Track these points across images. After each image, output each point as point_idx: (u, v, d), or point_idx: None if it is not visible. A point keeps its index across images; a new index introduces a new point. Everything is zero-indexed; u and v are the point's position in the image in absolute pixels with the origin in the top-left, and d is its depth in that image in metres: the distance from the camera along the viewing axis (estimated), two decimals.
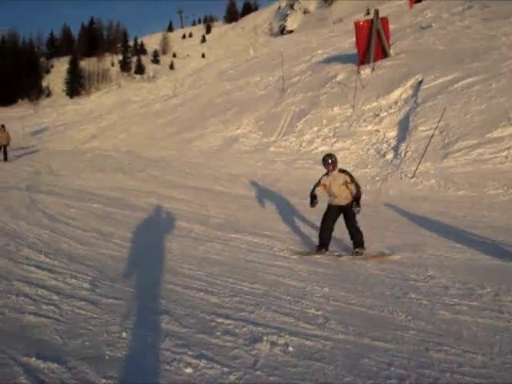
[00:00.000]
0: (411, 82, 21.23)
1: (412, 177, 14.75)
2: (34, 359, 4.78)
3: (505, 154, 14.72)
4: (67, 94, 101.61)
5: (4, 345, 5.13)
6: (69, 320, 5.76)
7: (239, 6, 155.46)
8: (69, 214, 11.70)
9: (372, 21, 25.72)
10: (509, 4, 28.59)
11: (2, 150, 22.89)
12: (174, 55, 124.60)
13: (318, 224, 10.26)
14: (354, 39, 27.02)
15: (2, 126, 23.49)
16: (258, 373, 4.60)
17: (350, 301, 6.57)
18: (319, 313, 6.10)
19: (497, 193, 13.07)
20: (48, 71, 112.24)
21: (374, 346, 5.26)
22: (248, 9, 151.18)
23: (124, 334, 5.36)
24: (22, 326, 5.60)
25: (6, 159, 22.65)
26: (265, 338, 5.29)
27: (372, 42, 25.45)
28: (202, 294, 6.67)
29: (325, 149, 19.08)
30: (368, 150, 17.99)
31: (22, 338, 5.31)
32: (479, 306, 6.41)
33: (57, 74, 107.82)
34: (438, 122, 15.76)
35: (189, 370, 4.58)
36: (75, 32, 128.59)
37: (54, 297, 6.45)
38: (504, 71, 19.37)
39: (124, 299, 6.41)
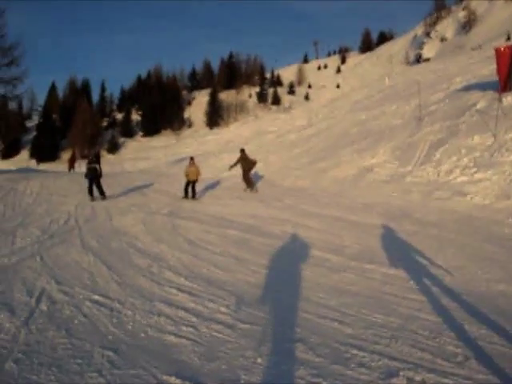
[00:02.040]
0: None
1: None
2: (173, 378, 5.01)
3: None
4: (207, 124, 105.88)
5: (146, 362, 5.43)
6: (206, 342, 5.98)
7: (374, 35, 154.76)
8: (208, 239, 12.21)
9: None
10: None
11: (191, 185, 20.72)
12: (309, 86, 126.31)
13: (457, 256, 10.02)
14: (495, 66, 25.97)
15: (192, 158, 22.02)
16: None
17: (491, 339, 6.28)
18: (458, 350, 5.90)
19: None
20: (189, 103, 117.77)
21: None
22: (383, 38, 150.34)
23: (259, 360, 5.49)
24: (162, 346, 5.90)
25: (194, 197, 20.49)
26: (401, 373, 5.21)
27: None
28: (335, 323, 6.68)
29: (464, 179, 18.45)
30: (511, 180, 17.13)
31: (163, 356, 5.59)
32: None
33: (198, 106, 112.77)
34: None
35: None
36: (215, 66, 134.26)
37: (193, 319, 6.74)
38: None
39: (259, 325, 6.56)
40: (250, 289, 8.27)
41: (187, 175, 20.94)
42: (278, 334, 6.30)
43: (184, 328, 6.45)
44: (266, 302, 7.62)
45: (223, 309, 7.20)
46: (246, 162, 22.25)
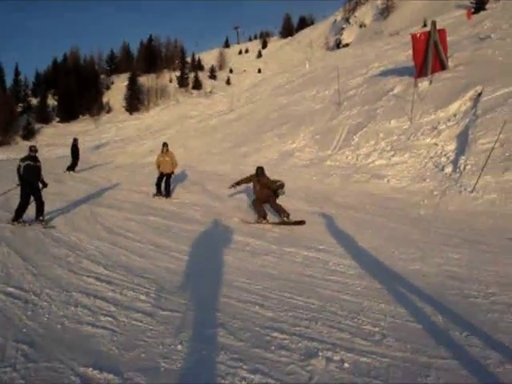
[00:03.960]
0: (470, 94, 20.76)
1: (472, 191, 14.39)
2: (90, 369, 4.87)
3: None
4: (126, 109, 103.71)
5: (62, 355, 5.25)
6: (125, 331, 5.86)
7: (295, 20, 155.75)
8: (128, 227, 11.98)
9: (429, 33, 25.34)
10: None
11: (164, 180, 16.98)
12: (231, 71, 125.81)
13: (376, 237, 10.24)
14: (411, 52, 26.65)
15: (165, 145, 17.47)
16: None
17: (407, 317, 6.44)
18: (376, 329, 6.01)
19: None
20: (108, 88, 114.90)
21: (432, 364, 5.14)
22: (304, 23, 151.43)
23: (179, 347, 5.41)
24: (79, 337, 5.73)
25: (168, 195, 16.79)
26: (320, 353, 5.24)
27: (429, 54, 25.03)
28: (257, 307, 6.67)
29: (381, 162, 18.89)
30: (426, 163, 17.65)
31: (80, 348, 5.43)
32: None
33: (116, 90, 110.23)
34: (499, 134, 15.36)
35: None
36: (134, 49, 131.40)
37: (112, 308, 6.58)
38: None
39: (180, 311, 6.48)
40: (170, 276, 8.16)
41: (159, 166, 16.94)
42: (198, 319, 6.24)
43: (102, 318, 6.28)
44: (187, 288, 7.54)
45: (143, 297, 7.07)
46: (261, 189, 13.25)
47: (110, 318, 6.25)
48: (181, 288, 7.52)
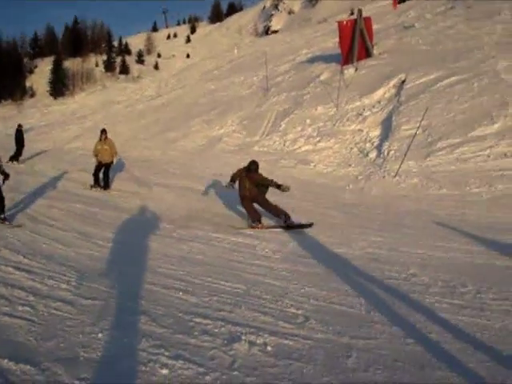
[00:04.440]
0: (394, 81, 21.25)
1: (395, 176, 14.75)
2: (6, 361, 4.67)
3: (487, 152, 14.79)
4: (51, 94, 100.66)
5: None
6: (44, 321, 5.65)
7: (224, 6, 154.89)
8: (50, 214, 11.59)
9: (355, 21, 25.74)
10: (491, 4, 28.78)
11: (103, 171, 15.37)
12: (159, 55, 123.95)
13: (302, 222, 10.31)
14: (338, 39, 27.01)
15: (103, 131, 16.09)
16: (235, 373, 4.51)
17: (330, 299, 6.51)
18: (299, 312, 6.04)
19: (479, 191, 13.12)
20: (32, 71, 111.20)
21: (353, 345, 5.21)
22: (233, 9, 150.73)
23: (100, 335, 5.27)
24: None
25: (107, 186, 15.20)
26: (243, 337, 5.22)
27: (355, 42, 25.46)
28: (181, 293, 6.57)
29: (308, 148, 19.08)
30: (351, 149, 17.98)
31: None
32: (460, 304, 6.39)
33: (40, 74, 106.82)
34: (421, 121, 15.78)
35: (165, 371, 4.48)
36: (59, 32, 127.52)
37: (31, 298, 6.34)
38: (486, 70, 19.48)
39: (102, 299, 6.31)
40: (93, 263, 7.95)
41: (97, 155, 15.40)
42: (120, 307, 6.10)
43: (20, 308, 6.04)
44: (111, 275, 7.35)
45: (64, 285, 6.84)
46: (250, 186, 11.37)
47: (28, 308, 6.02)
48: (103, 275, 7.33)
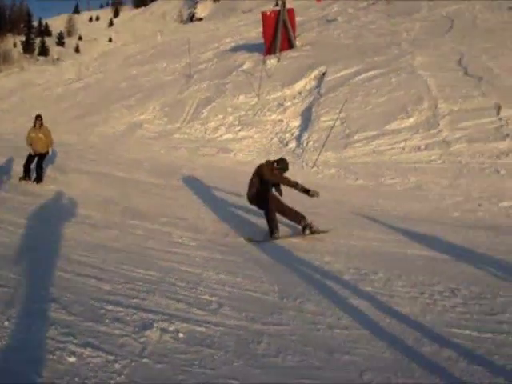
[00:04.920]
0: (315, 73, 21.55)
1: (313, 166, 14.97)
2: None
3: (401, 145, 15.25)
4: None
5: None
6: None
7: None
8: None
9: (279, 12, 25.89)
10: (411, 2, 29.61)
11: (36, 162, 13.53)
12: (80, 38, 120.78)
13: (219, 210, 10.30)
14: (261, 29, 27.11)
15: (38, 117, 13.84)
16: (145, 360, 4.46)
17: (245, 286, 6.55)
18: (213, 299, 6.04)
19: (393, 182, 13.50)
20: None
21: (265, 331, 5.25)
22: None
23: (6, 323, 5.07)
24: None
25: (39, 179, 13.28)
26: (155, 324, 5.16)
27: (278, 33, 25.63)
28: (93, 281, 6.43)
29: (229, 136, 19.08)
30: (272, 138, 18.13)
31: None
32: (371, 291, 6.57)
33: None
34: (339, 113, 16.08)
35: (72, 359, 4.37)
36: None
37: None
38: (403, 66, 20.08)
39: (10, 287, 6.08)
40: (3, 250, 7.65)
41: (31, 144, 13.54)
42: (30, 294, 5.90)
43: None
44: (21, 262, 7.09)
45: None
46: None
47: None
48: (13, 262, 7.07)
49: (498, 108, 16.08)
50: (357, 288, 6.65)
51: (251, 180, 9.55)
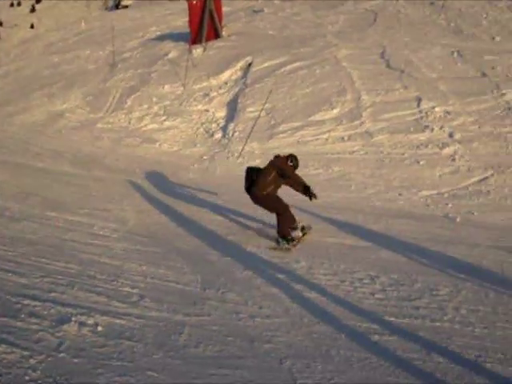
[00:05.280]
0: (241, 63, 21.54)
1: (238, 157, 14.99)
2: None
3: (325, 136, 15.48)
4: None
5: None
6: None
7: None
8: None
9: (205, 1, 25.71)
10: None
11: None
12: (1, 24, 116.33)
13: (144, 200, 10.16)
14: (187, 18, 26.83)
15: None
16: (62, 355, 4.36)
17: (167, 278, 6.49)
18: (134, 291, 5.96)
19: (317, 173, 13.69)
20: None
21: (186, 322, 5.23)
22: None
23: None
24: None
25: None
26: (73, 318, 5.03)
27: (204, 22, 25.45)
28: (10, 275, 6.20)
29: (154, 126, 18.84)
30: (197, 129, 18.03)
31: None
32: (293, 279, 6.65)
33: None
34: (264, 103, 16.14)
35: None
36: None
37: None
38: (328, 58, 20.33)
39: None
40: None
41: None
42: None
43: None
44: None
45: None
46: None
47: None
48: None
49: (419, 100, 16.53)
50: (279, 277, 6.71)
51: (265, 177, 8.56)
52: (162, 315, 5.36)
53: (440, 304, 6.08)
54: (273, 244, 8.31)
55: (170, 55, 25.77)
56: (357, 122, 15.90)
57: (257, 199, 8.64)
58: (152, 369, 4.26)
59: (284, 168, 8.52)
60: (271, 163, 8.67)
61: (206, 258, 7.48)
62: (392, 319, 5.63)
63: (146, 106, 20.58)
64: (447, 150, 14.14)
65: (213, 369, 4.34)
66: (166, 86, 21.70)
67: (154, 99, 20.90)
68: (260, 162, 14.41)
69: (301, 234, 8.55)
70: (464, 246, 8.55)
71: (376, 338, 5.16)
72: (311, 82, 18.56)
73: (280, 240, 8.29)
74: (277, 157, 8.80)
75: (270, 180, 8.52)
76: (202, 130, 17.85)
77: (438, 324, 5.58)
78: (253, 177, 8.71)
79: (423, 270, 7.20)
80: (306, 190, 8.67)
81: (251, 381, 4.16)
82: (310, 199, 8.70)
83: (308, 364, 4.49)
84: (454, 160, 13.71)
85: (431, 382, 4.38)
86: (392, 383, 4.30)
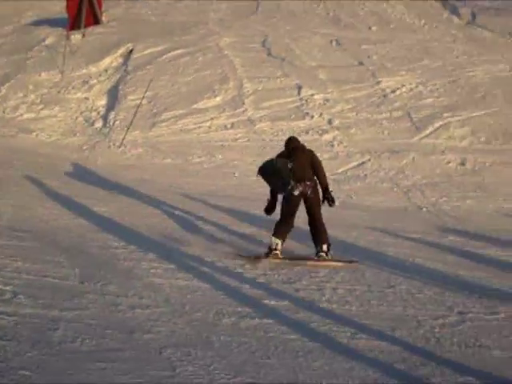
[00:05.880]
0: (122, 50, 21.10)
1: (120, 146, 14.72)
2: None
3: (208, 124, 15.57)
4: None
5: None
6: None
7: None
8: None
9: None
10: None
11: None
12: None
13: (21, 194, 9.79)
14: (65, 3, 25.89)
15: None
16: None
17: (44, 273, 6.27)
18: (7, 288, 5.70)
19: (200, 161, 13.75)
20: None
21: (63, 317, 5.07)
22: None
23: None
24: None
25: None
26: None
27: (83, 7, 24.68)
28: None
29: (30, 116, 18.08)
30: (77, 117, 17.49)
31: None
32: (174, 269, 6.64)
33: None
34: (145, 91, 15.97)
35: None
36: None
37: None
38: (210, 45, 20.38)
39: None
40: None
41: None
42: None
43: None
44: None
45: None
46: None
47: None
48: None
49: (299, 88, 16.95)
50: (160, 267, 6.68)
51: (301, 165, 7.26)
52: (36, 312, 5.16)
53: (318, 285, 6.30)
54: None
55: (47, 41, 24.75)
56: (239, 110, 16.09)
57: (306, 198, 7.27)
58: (25, 367, 4.08)
59: (317, 162, 7.48)
60: (302, 149, 7.62)
61: (86, 250, 7.30)
62: (273, 302, 5.76)
63: (21, 95, 19.67)
64: (326, 137, 14.64)
65: (90, 363, 4.23)
66: (43, 74, 20.85)
67: (31, 87, 20.03)
68: (143, 151, 14.30)
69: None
70: (343, 228, 8.90)
71: (256, 321, 5.24)
72: (194, 70, 18.53)
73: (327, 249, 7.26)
74: (293, 140, 7.85)
75: (302, 170, 7.24)
76: (81, 118, 17.33)
77: (316, 304, 5.76)
78: (283, 172, 7.18)
79: (310, 252, 7.43)
80: (326, 191, 7.41)
81: (129, 372, 4.09)
82: (329, 204, 7.42)
83: (188, 352, 4.47)
84: (333, 146, 14.23)
85: (308, 362, 4.49)
86: (270, 364, 4.37)
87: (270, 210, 7.73)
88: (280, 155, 7.69)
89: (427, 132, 14.98)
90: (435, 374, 4.27)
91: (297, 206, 7.28)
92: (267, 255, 7.12)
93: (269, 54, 19.48)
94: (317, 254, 7.18)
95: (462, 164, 13.51)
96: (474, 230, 9.37)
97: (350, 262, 7.15)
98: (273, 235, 7.19)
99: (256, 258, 7.11)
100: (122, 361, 4.30)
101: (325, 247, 7.15)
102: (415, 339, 5.02)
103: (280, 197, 7.48)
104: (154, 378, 3.98)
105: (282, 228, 7.31)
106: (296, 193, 7.08)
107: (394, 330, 5.19)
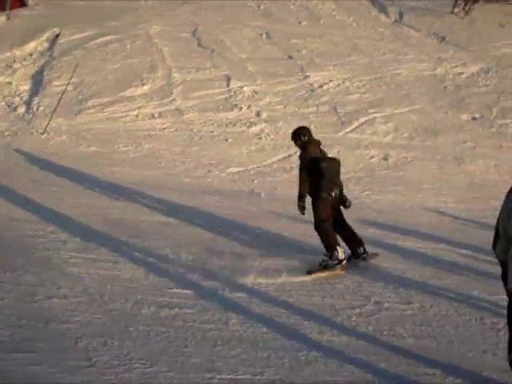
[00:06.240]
0: (48, 34, 20.49)
1: (43, 132, 14.37)
2: None
3: (135, 112, 15.40)
4: None
5: None
6: None
7: None
8: None
9: None
10: None
11: None
12: None
13: None
14: None
15: None
16: None
17: None
18: None
19: (127, 150, 13.64)
20: None
21: None
22: None
23: None
24: None
25: None
26: None
27: None
28: None
29: None
30: None
31: None
32: (96, 259, 6.59)
33: None
34: (71, 77, 15.67)
35: None
36: None
37: None
38: (140, 33, 20.12)
39: None
40: None
41: None
42: None
43: None
44: None
45: None
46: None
47: None
48: None
49: (228, 80, 17.00)
50: (79, 256, 6.64)
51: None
52: None
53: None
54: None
55: None
56: (167, 100, 16.01)
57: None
58: None
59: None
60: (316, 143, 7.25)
61: (2, 240, 7.13)
62: (192, 291, 5.82)
63: None
64: (254, 129, 14.75)
65: (3, 354, 4.17)
66: None
67: None
68: (67, 139, 14.03)
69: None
70: (267, 220, 9.05)
71: (175, 311, 5.29)
72: (122, 57, 18.25)
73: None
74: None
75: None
76: (3, 103, 16.74)
77: (238, 294, 5.86)
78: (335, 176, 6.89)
79: (230, 243, 7.56)
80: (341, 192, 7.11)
81: (44, 362, 4.05)
82: (347, 205, 7.10)
83: (105, 341, 4.47)
84: (260, 138, 14.37)
85: (225, 350, 4.56)
86: (188, 353, 4.42)
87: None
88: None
89: (352, 127, 15.31)
90: (349, 362, 4.44)
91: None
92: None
93: (199, 45, 19.41)
94: (359, 256, 6.89)
95: (385, 159, 13.87)
96: (394, 222, 9.65)
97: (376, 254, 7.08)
98: (338, 246, 6.68)
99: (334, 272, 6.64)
100: (36, 351, 4.26)
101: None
102: (332, 327, 5.18)
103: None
104: (70, 367, 3.97)
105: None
106: (333, 194, 6.82)
107: (312, 318, 5.34)
